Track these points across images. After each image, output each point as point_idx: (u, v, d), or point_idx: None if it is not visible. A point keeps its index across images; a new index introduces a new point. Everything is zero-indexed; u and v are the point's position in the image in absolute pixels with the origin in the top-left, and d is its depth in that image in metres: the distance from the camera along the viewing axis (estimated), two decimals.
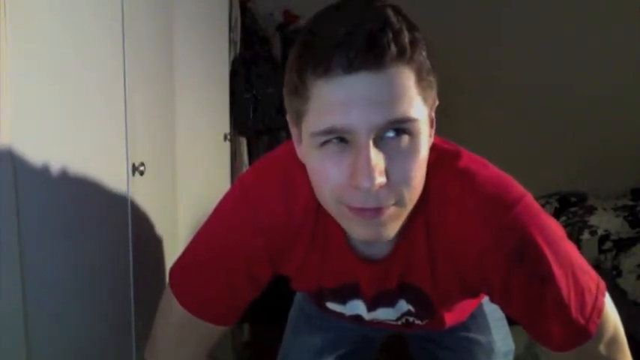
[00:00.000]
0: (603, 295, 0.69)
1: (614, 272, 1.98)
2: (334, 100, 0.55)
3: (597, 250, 2.16)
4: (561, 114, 2.63)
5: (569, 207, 2.40)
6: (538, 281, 0.65)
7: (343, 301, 0.82)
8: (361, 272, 0.75)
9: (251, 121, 2.02)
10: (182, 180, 1.31)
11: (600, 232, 2.21)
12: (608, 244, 2.15)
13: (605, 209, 2.34)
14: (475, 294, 0.78)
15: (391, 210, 0.59)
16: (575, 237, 2.24)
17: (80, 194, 0.85)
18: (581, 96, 2.58)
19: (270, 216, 0.72)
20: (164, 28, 1.21)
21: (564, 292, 0.65)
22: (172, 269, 0.81)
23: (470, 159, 0.71)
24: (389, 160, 0.57)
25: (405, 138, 0.57)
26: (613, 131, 2.58)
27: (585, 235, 2.21)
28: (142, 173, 1.03)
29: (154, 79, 1.15)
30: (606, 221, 2.25)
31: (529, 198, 0.67)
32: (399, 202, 0.59)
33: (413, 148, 0.58)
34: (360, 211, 0.59)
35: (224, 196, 0.79)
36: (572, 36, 2.57)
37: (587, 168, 2.60)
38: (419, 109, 0.57)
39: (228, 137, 1.79)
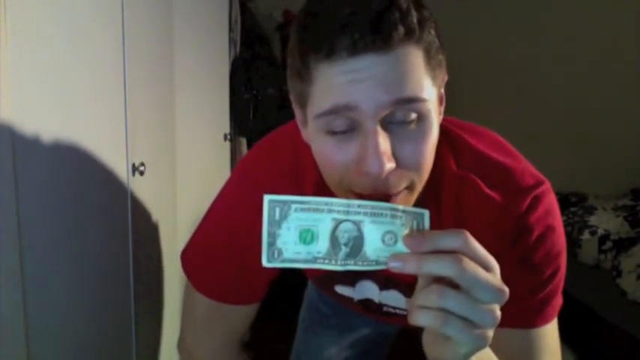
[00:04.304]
0: (556, 313, 0.70)
1: (614, 272, 1.97)
2: (339, 82, 0.52)
3: (597, 250, 2.16)
4: (561, 114, 2.63)
5: (569, 207, 2.40)
6: (528, 268, 0.66)
7: (352, 283, 0.80)
8: None
9: (251, 121, 2.02)
10: (182, 180, 1.31)
11: (600, 232, 2.21)
12: (608, 244, 2.15)
13: (605, 209, 2.34)
14: None
15: (401, 195, 0.57)
16: (575, 237, 2.23)
17: (80, 194, 0.85)
18: (582, 96, 2.58)
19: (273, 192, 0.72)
20: (164, 28, 1.21)
21: (542, 287, 0.67)
22: (182, 255, 0.80)
23: (487, 139, 0.70)
24: (397, 143, 0.53)
25: (414, 121, 0.54)
26: (613, 131, 2.58)
27: (585, 235, 2.21)
28: (142, 173, 1.03)
29: (154, 79, 1.15)
30: (606, 221, 2.25)
31: (545, 187, 0.67)
32: (410, 187, 0.57)
33: (422, 131, 0.55)
34: (370, 199, 0.57)
35: (227, 180, 0.78)
36: (573, 36, 2.58)
37: (587, 168, 2.60)
38: (428, 89, 0.54)
39: (228, 137, 1.79)
